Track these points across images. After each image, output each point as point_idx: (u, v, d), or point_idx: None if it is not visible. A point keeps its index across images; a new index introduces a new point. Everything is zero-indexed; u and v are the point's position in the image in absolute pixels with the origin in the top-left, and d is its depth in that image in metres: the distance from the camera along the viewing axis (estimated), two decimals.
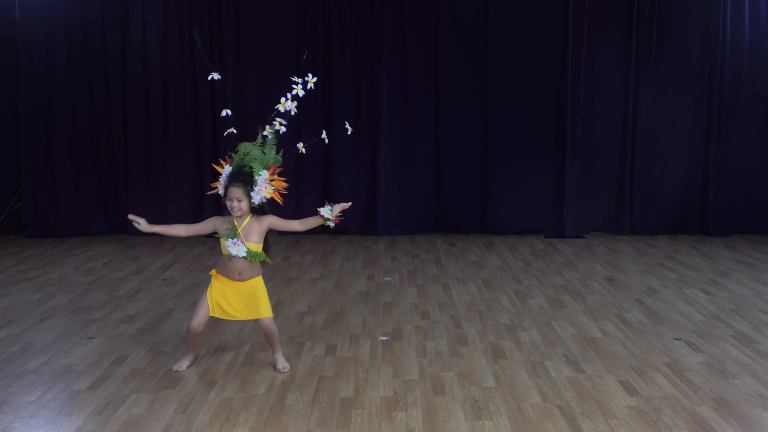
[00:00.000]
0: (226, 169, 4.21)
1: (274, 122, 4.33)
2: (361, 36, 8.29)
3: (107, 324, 5.22)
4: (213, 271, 4.41)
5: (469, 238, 8.33)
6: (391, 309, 5.58)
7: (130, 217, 4.21)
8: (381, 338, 4.90)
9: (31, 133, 8.27)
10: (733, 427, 3.65)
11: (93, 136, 8.34)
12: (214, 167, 4.22)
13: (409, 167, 8.48)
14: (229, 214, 4.21)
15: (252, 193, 4.14)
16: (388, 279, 6.47)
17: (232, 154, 4.22)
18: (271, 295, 5.97)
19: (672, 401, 3.94)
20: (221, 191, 4.22)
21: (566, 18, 8.21)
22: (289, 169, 8.32)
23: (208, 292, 4.33)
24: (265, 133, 4.29)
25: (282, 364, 4.38)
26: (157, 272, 6.74)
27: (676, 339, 4.92)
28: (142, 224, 4.19)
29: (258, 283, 4.33)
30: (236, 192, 4.13)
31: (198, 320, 4.30)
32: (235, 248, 4.19)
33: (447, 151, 8.47)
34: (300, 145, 4.42)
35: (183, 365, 4.39)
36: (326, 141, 4.47)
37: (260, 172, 4.16)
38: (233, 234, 4.20)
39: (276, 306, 5.66)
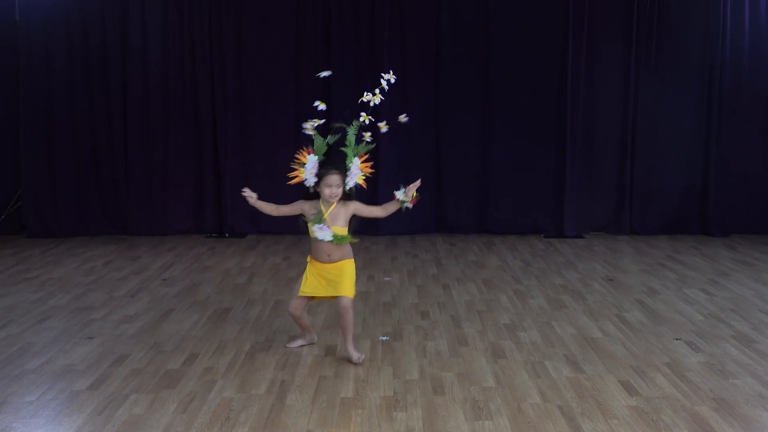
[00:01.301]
0: (312, 158, 4.36)
1: (361, 115, 4.44)
2: (361, 36, 8.29)
3: (107, 324, 5.22)
4: (309, 257, 4.54)
5: (469, 238, 8.33)
6: (391, 309, 5.58)
7: (244, 191, 4.45)
8: (381, 338, 4.90)
9: (31, 133, 8.27)
10: (733, 427, 3.66)
11: (93, 136, 8.34)
12: (297, 158, 4.42)
13: (409, 167, 8.46)
14: (316, 199, 4.39)
15: (347, 180, 4.36)
16: (388, 279, 6.47)
17: (317, 143, 4.38)
18: (271, 294, 6.00)
19: (672, 401, 3.94)
20: (311, 179, 4.37)
21: (566, 18, 8.21)
22: (289, 166, 8.35)
23: (303, 276, 4.52)
24: (339, 126, 4.42)
25: (356, 355, 4.45)
26: (157, 272, 6.74)
27: (676, 339, 4.92)
28: (252, 198, 4.46)
29: (347, 265, 4.48)
30: (336, 179, 4.33)
31: (293, 305, 4.57)
32: (321, 233, 4.35)
33: (447, 150, 8.47)
34: (402, 117, 4.59)
35: (296, 343, 4.73)
36: (405, 120, 4.62)
37: (353, 160, 4.37)
38: (319, 219, 4.35)
39: (276, 306, 5.67)
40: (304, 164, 4.38)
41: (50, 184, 8.31)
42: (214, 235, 8.41)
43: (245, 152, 8.40)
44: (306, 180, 4.39)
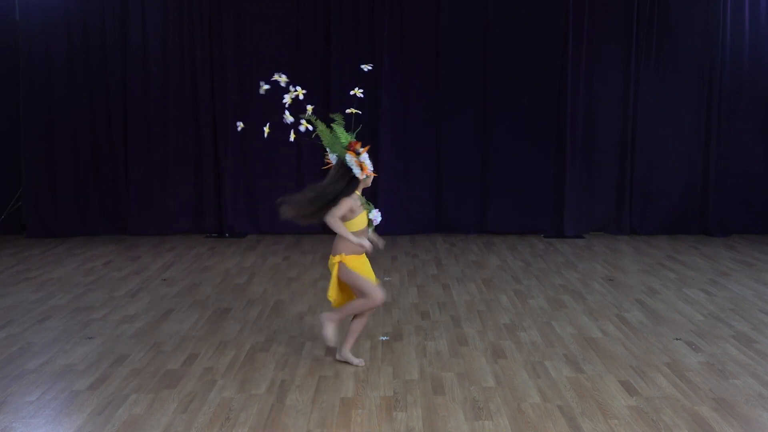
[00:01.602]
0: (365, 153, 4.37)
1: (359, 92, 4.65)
2: (361, 36, 8.29)
3: (107, 324, 5.22)
4: (340, 257, 4.40)
5: (469, 238, 8.32)
6: (391, 309, 5.58)
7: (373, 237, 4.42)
8: (381, 338, 4.90)
9: (31, 133, 8.27)
10: (733, 427, 3.66)
11: (93, 136, 8.34)
12: (354, 153, 4.35)
13: (409, 167, 8.47)
14: (353, 192, 4.34)
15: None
16: (388, 279, 6.46)
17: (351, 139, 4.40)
18: (271, 294, 6.00)
19: (672, 401, 3.94)
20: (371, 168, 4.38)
21: (566, 18, 8.21)
22: (289, 166, 8.37)
23: (359, 274, 4.38)
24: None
25: (356, 360, 4.45)
26: (157, 272, 6.73)
27: (676, 339, 4.92)
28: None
29: None
30: None
31: (381, 296, 4.40)
32: (378, 216, 4.44)
33: (447, 151, 8.47)
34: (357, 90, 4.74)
35: (333, 335, 4.47)
36: (360, 95, 4.75)
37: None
38: (370, 205, 4.43)
39: (276, 306, 5.67)
40: (360, 156, 4.33)
41: (50, 184, 8.31)
42: (214, 235, 8.40)
43: (245, 152, 8.40)
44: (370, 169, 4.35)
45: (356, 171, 4.28)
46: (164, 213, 8.41)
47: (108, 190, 8.44)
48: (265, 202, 8.52)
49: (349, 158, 4.29)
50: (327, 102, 8.33)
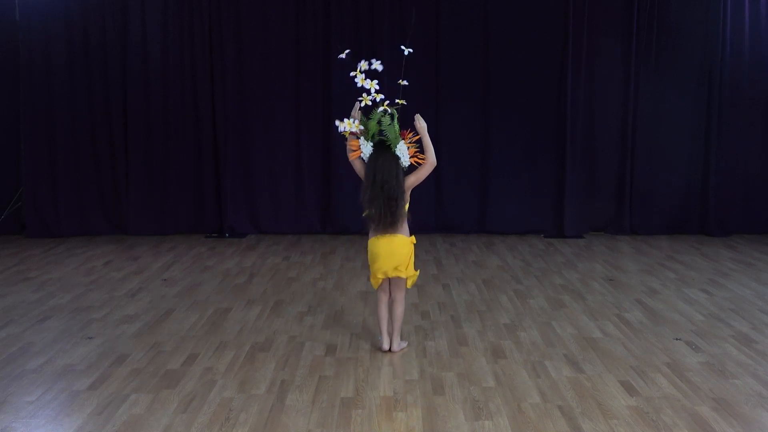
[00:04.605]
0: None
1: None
2: (361, 35, 8.28)
3: (107, 324, 5.23)
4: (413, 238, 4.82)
5: (469, 238, 8.32)
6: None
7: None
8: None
9: (31, 133, 8.26)
10: (733, 427, 3.66)
11: (93, 136, 8.33)
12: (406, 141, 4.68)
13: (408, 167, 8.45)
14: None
15: None
16: None
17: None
18: (271, 294, 6.00)
19: (672, 401, 3.94)
20: None
21: (566, 18, 8.20)
22: (289, 164, 8.36)
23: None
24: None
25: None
26: (157, 272, 6.73)
27: (676, 339, 4.92)
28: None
29: None
30: None
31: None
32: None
33: (447, 151, 8.45)
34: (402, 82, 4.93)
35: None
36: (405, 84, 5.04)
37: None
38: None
39: (276, 306, 5.67)
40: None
41: (50, 184, 8.30)
42: (214, 235, 8.40)
43: (245, 152, 8.40)
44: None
45: (405, 159, 4.60)
46: (164, 213, 8.40)
47: (108, 190, 8.42)
48: (265, 202, 8.52)
49: (403, 147, 4.60)
50: (327, 101, 8.34)
